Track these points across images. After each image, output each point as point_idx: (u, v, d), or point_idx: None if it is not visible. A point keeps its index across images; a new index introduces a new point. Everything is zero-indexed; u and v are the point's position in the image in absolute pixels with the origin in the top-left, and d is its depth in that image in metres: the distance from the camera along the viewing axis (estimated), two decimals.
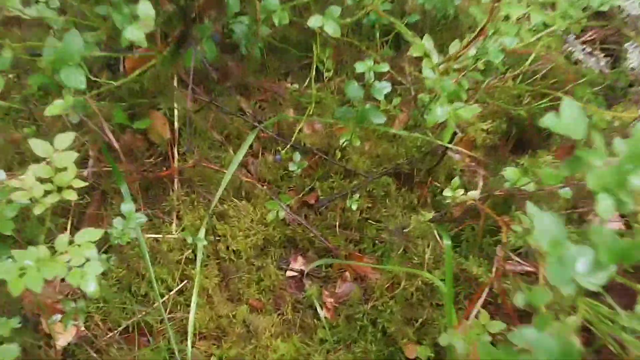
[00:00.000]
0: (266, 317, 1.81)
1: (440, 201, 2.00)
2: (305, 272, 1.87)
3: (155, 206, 1.87)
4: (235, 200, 1.90)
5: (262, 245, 1.88)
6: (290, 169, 1.86)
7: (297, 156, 1.81)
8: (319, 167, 2.04)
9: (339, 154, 1.98)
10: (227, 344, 1.74)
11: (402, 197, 1.98)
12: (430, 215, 1.61)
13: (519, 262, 1.64)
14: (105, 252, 1.75)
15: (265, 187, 1.96)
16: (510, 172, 1.56)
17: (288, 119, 1.98)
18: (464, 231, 1.82)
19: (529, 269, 1.62)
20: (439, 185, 2.03)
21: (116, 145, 1.59)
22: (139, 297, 1.74)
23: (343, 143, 1.84)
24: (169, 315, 1.73)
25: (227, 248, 1.82)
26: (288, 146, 1.78)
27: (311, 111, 1.83)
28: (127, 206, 1.41)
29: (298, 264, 1.92)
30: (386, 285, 1.82)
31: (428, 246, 1.82)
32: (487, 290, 1.65)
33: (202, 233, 1.73)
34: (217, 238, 1.81)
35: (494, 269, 1.66)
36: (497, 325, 1.38)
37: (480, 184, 1.85)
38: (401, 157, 1.98)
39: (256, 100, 2.10)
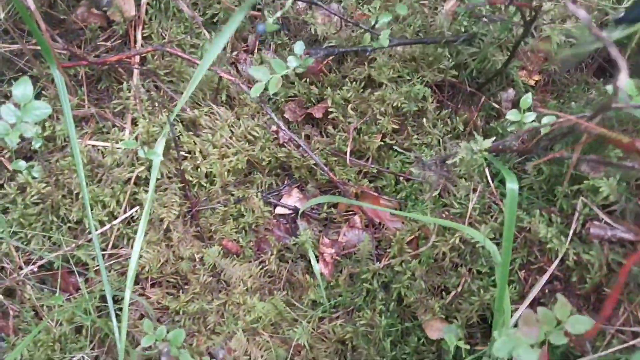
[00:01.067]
0: (243, 264, 1.34)
1: (495, 129, 1.45)
2: (301, 211, 1.39)
3: (104, 104, 1.38)
4: (213, 105, 1.39)
5: (246, 169, 1.39)
6: (290, 64, 1.32)
7: (300, 46, 1.27)
8: (332, 71, 1.51)
9: (360, 55, 1.43)
10: (187, 296, 1.29)
11: (442, 120, 1.44)
12: (487, 143, 1.08)
13: (609, 224, 1.11)
14: (29, 158, 1.29)
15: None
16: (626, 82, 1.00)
17: None
18: (527, 174, 1.29)
19: (624, 235, 1.09)
20: (495, 105, 1.47)
21: (32, 5, 1.08)
22: (69, 223, 1.28)
23: (368, 32, 1.29)
24: (111, 251, 1.28)
25: (197, 168, 1.33)
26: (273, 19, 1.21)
27: None
28: (22, 89, 0.92)
29: (292, 198, 1.43)
30: (409, 239, 1.32)
31: (474, 190, 1.30)
32: (557, 261, 1.13)
33: (160, 145, 1.23)
34: (182, 154, 1.32)
35: (570, 232, 1.13)
36: (577, 321, 0.87)
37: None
38: (445, 60, 1.41)
39: None
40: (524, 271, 1.23)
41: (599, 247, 1.11)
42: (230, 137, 1.35)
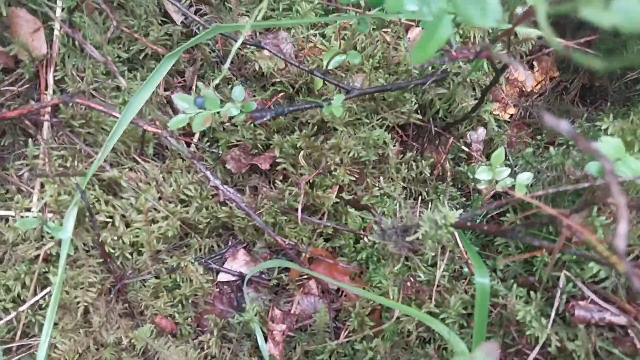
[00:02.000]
0: (180, 345, 1.16)
1: (465, 173, 1.29)
2: (247, 278, 1.20)
3: (8, 164, 1.17)
4: (139, 159, 1.19)
5: (179, 234, 1.20)
6: (230, 112, 1.12)
7: (239, 91, 1.07)
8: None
9: (310, 88, 1.25)
10: None
11: (407, 164, 1.27)
12: (453, 216, 0.91)
13: (597, 304, 0.95)
14: None
15: (191, 141, 1.24)
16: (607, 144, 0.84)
17: (233, 29, 1.22)
18: (496, 238, 1.13)
19: (614, 319, 0.93)
20: (464, 148, 1.30)
21: None
22: None
23: (323, 68, 1.10)
24: (19, 342, 1.09)
25: (119, 239, 1.13)
26: (223, 71, 1.01)
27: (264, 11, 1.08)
28: None
29: (237, 262, 1.24)
30: (368, 311, 1.15)
31: (442, 253, 1.13)
32: (538, 348, 0.97)
33: (69, 218, 1.03)
34: (101, 221, 1.12)
35: (552, 312, 0.97)
36: None
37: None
38: (408, 103, 1.24)
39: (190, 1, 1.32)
40: (499, 352, 1.07)
41: (585, 332, 0.95)
42: (160, 199, 1.15)
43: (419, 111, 1.24)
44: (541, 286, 1.02)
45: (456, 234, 1.10)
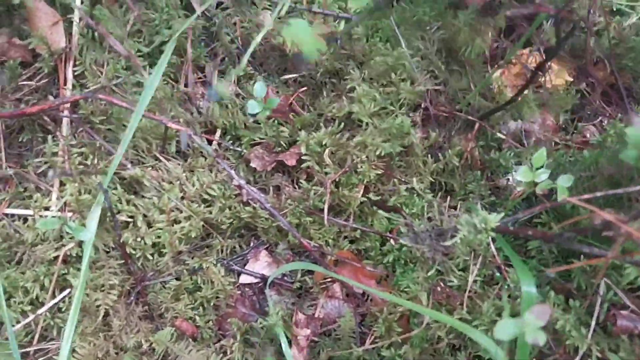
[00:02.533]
0: (201, 349, 1.12)
1: (497, 160, 1.23)
2: (270, 280, 1.17)
3: (27, 161, 1.13)
4: (161, 158, 1.15)
5: (201, 234, 1.16)
6: (251, 111, 1.09)
7: (261, 87, 1.03)
8: (304, 107, 1.28)
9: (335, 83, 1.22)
10: None
11: (433, 156, 1.22)
12: (495, 219, 0.87)
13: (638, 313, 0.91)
14: None
15: (213, 138, 1.21)
16: None
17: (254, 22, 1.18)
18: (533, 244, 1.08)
19: None
20: (499, 135, 1.25)
21: None
22: None
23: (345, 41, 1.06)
24: (37, 347, 1.06)
25: (140, 239, 1.10)
26: (242, 65, 0.96)
27: None
28: None
29: (259, 264, 1.21)
30: (397, 317, 1.11)
31: (474, 257, 1.09)
32: (578, 358, 0.93)
33: (92, 218, 1.00)
34: (123, 221, 1.09)
35: (592, 322, 0.93)
36: None
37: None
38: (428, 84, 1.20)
39: None
40: (550, 314, 1.02)
41: (629, 343, 0.91)
42: (182, 198, 1.12)
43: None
44: (580, 294, 0.98)
45: (490, 238, 1.06)
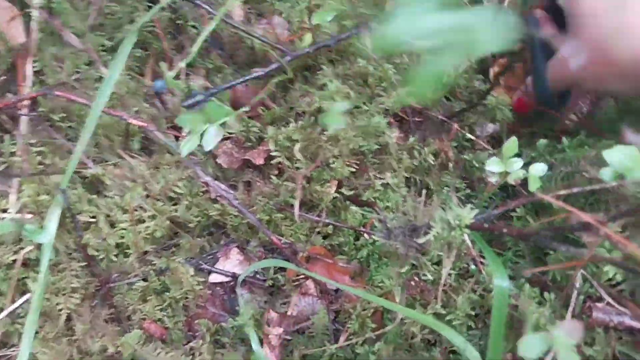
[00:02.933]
0: (170, 352, 1.09)
1: (470, 161, 1.22)
2: (240, 278, 1.13)
3: None
4: (125, 155, 1.12)
5: (169, 233, 1.13)
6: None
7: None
8: (276, 100, 1.24)
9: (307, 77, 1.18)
10: None
11: (409, 154, 1.19)
12: (469, 215, 0.84)
13: (616, 308, 0.88)
14: None
15: (180, 135, 1.17)
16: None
17: None
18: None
19: (634, 323, 0.87)
20: (470, 137, 1.23)
21: None
22: None
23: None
24: None
25: (103, 240, 1.06)
26: (191, 54, 0.91)
27: None
28: None
29: (230, 262, 1.17)
30: (371, 313, 1.08)
31: (448, 251, 1.06)
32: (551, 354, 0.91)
33: (51, 220, 0.96)
34: (84, 222, 1.05)
35: (568, 315, 0.90)
36: None
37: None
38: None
39: None
40: (510, 355, 1.00)
41: (604, 336, 0.89)
42: (147, 197, 1.08)
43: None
44: (555, 286, 0.95)
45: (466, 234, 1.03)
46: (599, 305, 0.89)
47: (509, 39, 0.49)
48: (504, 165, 0.96)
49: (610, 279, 0.89)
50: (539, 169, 0.94)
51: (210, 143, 0.92)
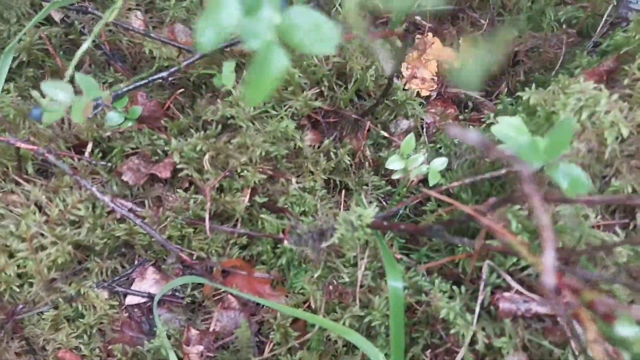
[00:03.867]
0: None
1: (387, 159, 1.20)
2: (157, 298, 1.09)
3: None
4: (20, 180, 1.06)
5: (77, 258, 1.08)
6: (110, 124, 1.01)
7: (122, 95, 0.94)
8: (183, 111, 1.20)
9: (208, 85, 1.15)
10: None
11: (325, 156, 1.17)
12: (370, 215, 0.82)
13: (524, 295, 0.88)
14: None
15: (81, 157, 1.12)
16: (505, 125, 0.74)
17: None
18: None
19: (540, 309, 0.86)
20: (383, 133, 1.21)
21: None
22: None
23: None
24: None
25: (1, 271, 1.01)
26: (72, 63, 0.87)
27: None
28: None
29: (146, 282, 1.13)
30: (292, 321, 1.06)
31: (363, 251, 1.05)
32: (465, 346, 0.89)
33: None
34: None
35: (477, 307, 0.89)
36: None
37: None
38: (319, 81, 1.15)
39: None
40: (429, 351, 0.99)
41: (511, 326, 0.88)
42: (46, 222, 1.03)
43: (324, 94, 1.15)
44: (466, 278, 0.94)
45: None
46: (506, 295, 0.88)
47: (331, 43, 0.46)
48: (405, 162, 0.94)
49: (515, 264, 0.88)
50: (438, 163, 0.93)
51: (79, 116, 0.83)
